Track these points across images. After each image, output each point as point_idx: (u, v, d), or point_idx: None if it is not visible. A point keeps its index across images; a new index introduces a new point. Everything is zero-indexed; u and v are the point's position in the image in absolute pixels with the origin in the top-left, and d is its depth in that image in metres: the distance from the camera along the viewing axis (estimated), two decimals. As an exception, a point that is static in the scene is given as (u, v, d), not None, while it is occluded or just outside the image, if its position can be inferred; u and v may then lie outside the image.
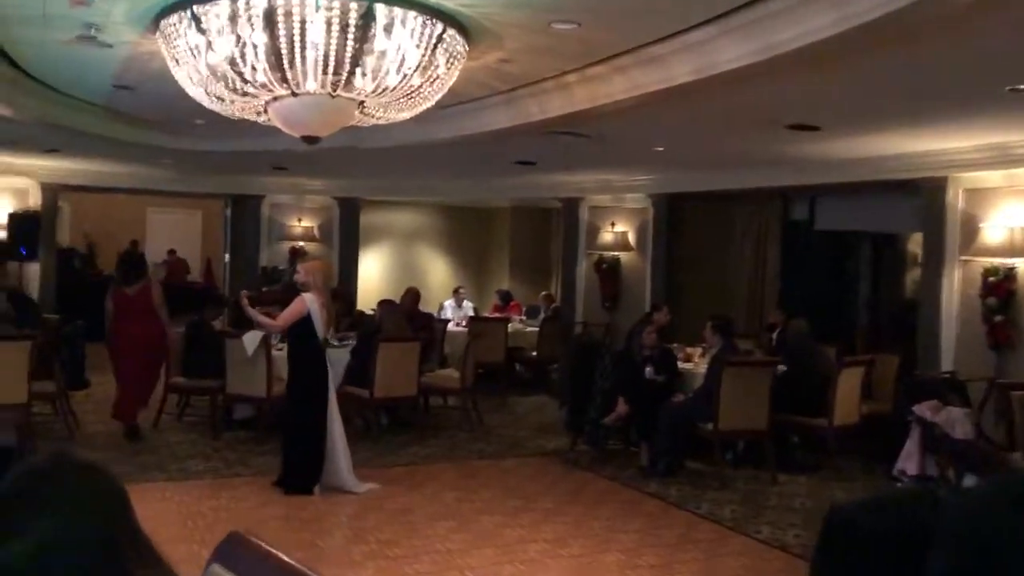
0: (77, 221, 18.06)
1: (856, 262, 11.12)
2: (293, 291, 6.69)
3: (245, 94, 5.19)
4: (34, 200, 11.91)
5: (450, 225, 15.66)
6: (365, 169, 11.70)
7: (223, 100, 5.41)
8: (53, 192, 12.09)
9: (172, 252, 18.19)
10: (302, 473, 6.42)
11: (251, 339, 8.01)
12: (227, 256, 13.74)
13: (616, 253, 11.75)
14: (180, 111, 8.20)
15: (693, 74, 5.26)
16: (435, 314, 12.06)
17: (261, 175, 12.41)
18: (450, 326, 11.50)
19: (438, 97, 5.50)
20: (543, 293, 13.49)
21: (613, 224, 11.78)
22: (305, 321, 6.38)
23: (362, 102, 5.21)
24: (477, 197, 13.70)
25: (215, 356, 8.31)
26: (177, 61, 5.09)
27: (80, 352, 8.83)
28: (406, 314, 9.68)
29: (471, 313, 12.68)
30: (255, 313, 6.51)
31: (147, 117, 8.86)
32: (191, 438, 8.28)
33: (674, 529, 6.04)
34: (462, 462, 7.79)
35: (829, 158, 8.81)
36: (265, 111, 5.43)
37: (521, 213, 15.19)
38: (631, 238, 11.68)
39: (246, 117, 5.80)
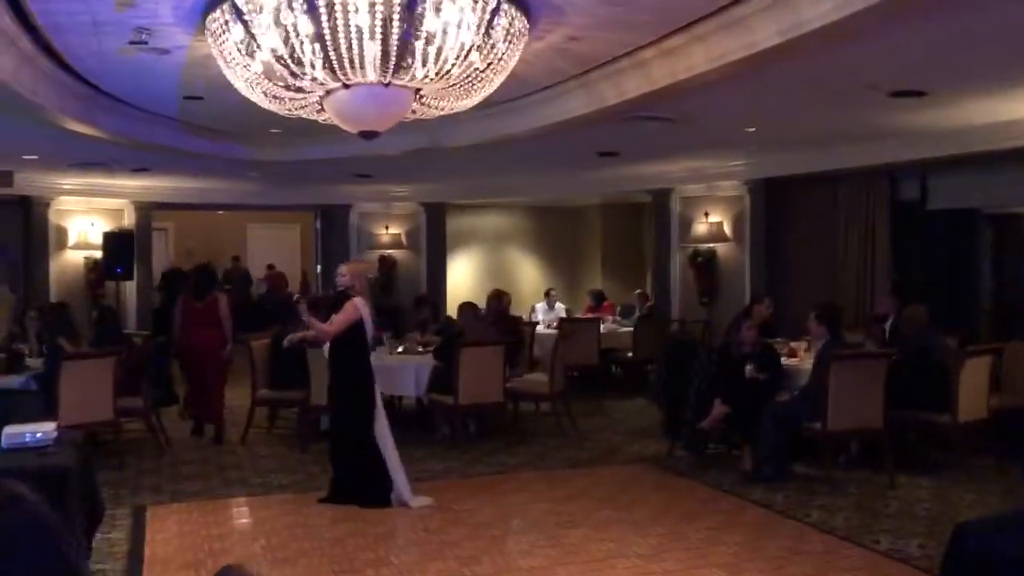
0: (181, 239, 18.65)
1: (974, 243, 10.17)
2: (344, 297, 6.44)
3: (298, 90, 4.97)
4: (128, 219, 12.13)
5: (539, 226, 15.30)
6: (448, 172, 11.48)
7: (279, 99, 5.19)
8: (146, 211, 12.29)
9: (271, 267, 18.37)
10: (373, 484, 6.16)
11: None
12: (319, 268, 13.74)
13: (711, 245, 11.14)
14: (252, 119, 8.12)
15: (778, 36, 4.74)
16: (526, 317, 11.74)
17: (347, 184, 12.35)
18: (540, 328, 11.15)
19: (499, 81, 5.14)
20: (637, 291, 12.97)
21: (707, 214, 11.18)
22: (356, 326, 6.14)
23: (418, 90, 4.90)
24: (563, 194, 13.29)
25: (300, 367, 8.17)
26: (227, 61, 4.89)
27: (166, 368, 8.83)
28: (494, 317, 9.36)
29: (563, 315, 12.29)
30: (311, 319, 6.27)
31: (222, 128, 8.83)
32: (278, 451, 8.15)
33: (780, 540, 5.49)
34: (552, 471, 7.39)
35: (938, 128, 8.05)
36: (322, 108, 5.19)
37: (611, 210, 14.70)
38: (727, 228, 11.06)
39: (305, 116, 5.57)
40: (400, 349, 8.95)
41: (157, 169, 10.66)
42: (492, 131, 8.20)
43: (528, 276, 15.22)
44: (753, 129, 8.23)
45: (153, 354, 8.47)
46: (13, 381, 7.33)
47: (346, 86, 4.71)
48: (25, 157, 9.29)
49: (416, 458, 7.67)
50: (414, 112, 5.31)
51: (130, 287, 12.08)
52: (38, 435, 4.39)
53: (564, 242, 15.32)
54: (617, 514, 6.06)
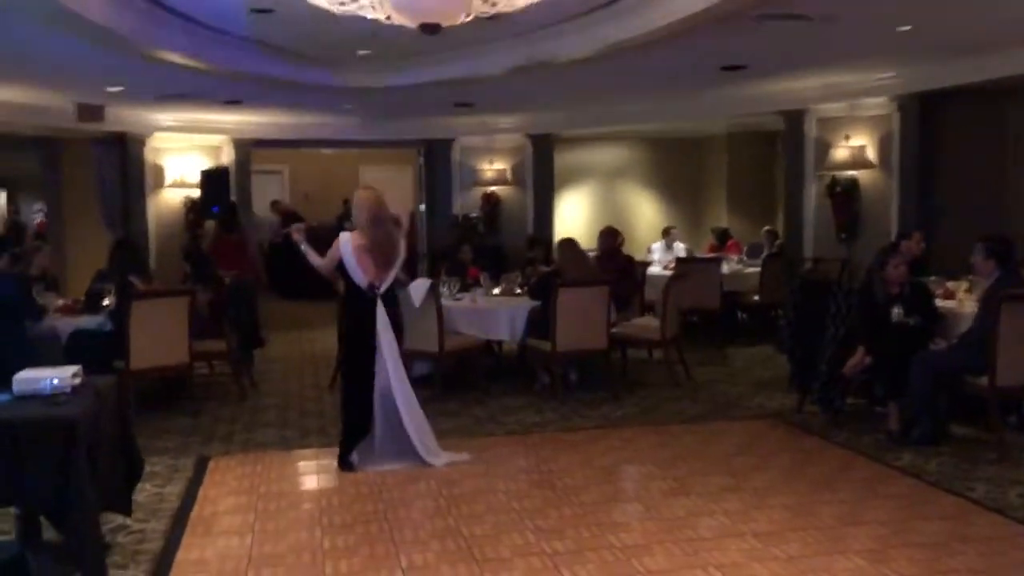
0: (296, 182, 18.55)
1: None
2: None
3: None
4: (227, 157, 11.77)
5: (658, 159, 14.14)
6: (555, 99, 10.50)
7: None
8: (244, 148, 11.89)
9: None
10: (341, 443, 5.50)
11: (418, 288, 7.13)
12: (422, 207, 13.10)
13: (852, 172, 9.78)
14: (333, 37, 7.44)
15: None
16: (642, 258, 10.77)
17: (448, 116, 11.56)
18: (653, 269, 10.18)
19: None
20: (765, 228, 11.76)
21: (847, 137, 9.80)
22: (340, 267, 5.34)
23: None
24: (683, 120, 12.07)
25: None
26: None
27: (253, 310, 8.36)
28: (602, 255, 8.46)
29: (682, 255, 11.26)
30: (309, 249, 5.48)
31: (304, 50, 8.16)
32: (364, 398, 7.57)
33: (936, 521, 4.45)
34: (659, 427, 6.49)
35: None
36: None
37: (738, 139, 13.39)
38: (871, 153, 9.67)
39: (366, 14, 4.77)
40: (497, 291, 8.19)
41: (250, 102, 10.15)
42: (597, 41, 7.19)
43: (645, 214, 14.14)
44: (908, 28, 6.88)
45: (237, 294, 8.00)
46: (91, 321, 6.98)
47: (397, -35, 3.87)
48: (109, 89, 8.91)
49: (511, 409, 6.96)
50: (486, 2, 4.42)
51: (229, 226, 11.74)
52: (53, 382, 3.84)
53: (685, 176, 14.13)
54: (733, 481, 5.14)
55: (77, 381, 3.98)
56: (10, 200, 18.82)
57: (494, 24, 7.06)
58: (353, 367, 5.47)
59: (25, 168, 13.94)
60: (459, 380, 7.67)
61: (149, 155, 11.23)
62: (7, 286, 6.64)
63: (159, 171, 11.35)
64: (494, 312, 7.59)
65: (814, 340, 6.50)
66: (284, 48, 8.04)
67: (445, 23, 4.27)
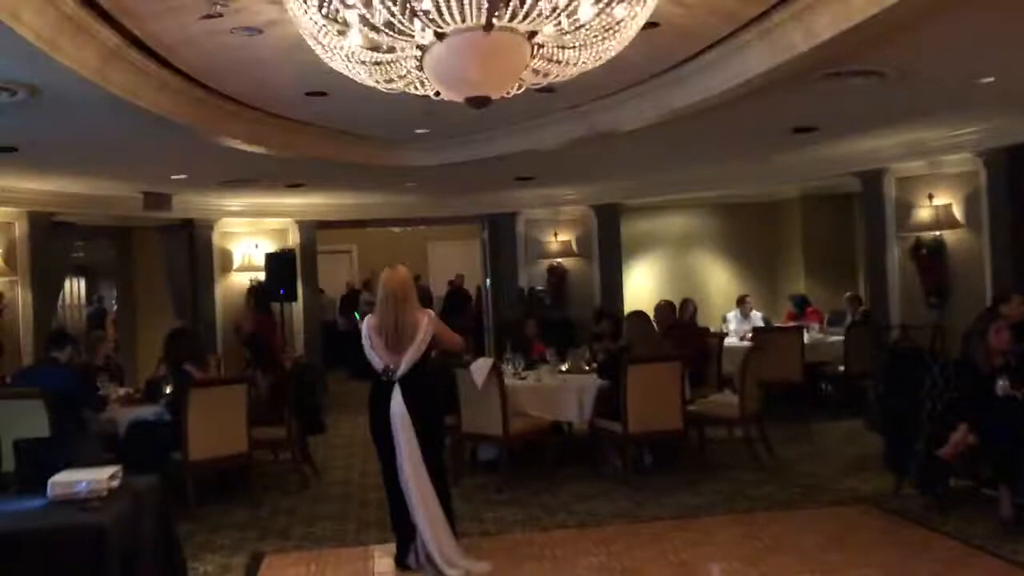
0: (364, 260, 18.71)
1: None
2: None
3: (390, 50, 4.00)
4: (293, 239, 11.81)
5: (728, 225, 13.71)
6: (618, 169, 10.27)
7: (377, 64, 4.23)
8: (309, 230, 11.94)
9: (451, 282, 17.85)
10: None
11: (479, 367, 6.85)
12: (488, 280, 12.91)
13: (938, 233, 9.22)
14: (387, 116, 7.36)
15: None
16: (717, 328, 10.33)
17: (510, 190, 11.42)
18: (730, 340, 9.70)
19: (643, 18, 3.91)
20: (848, 294, 11.17)
21: (931, 197, 9.26)
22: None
23: (532, 35, 3.78)
24: (755, 186, 11.69)
25: (450, 390, 7.25)
26: (301, 21, 3.99)
27: (318, 395, 8.18)
28: (668, 328, 8.07)
29: (759, 324, 10.76)
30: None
31: (360, 131, 8.12)
32: (428, 485, 7.23)
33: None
34: (744, 515, 5.99)
35: None
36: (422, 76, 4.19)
37: (812, 201, 12.91)
38: (957, 211, 9.11)
39: (413, 91, 4.60)
40: (564, 368, 7.84)
41: (312, 184, 10.18)
42: (658, 108, 6.94)
43: (718, 283, 13.66)
44: (991, 80, 6.47)
45: (298, 379, 7.82)
46: (149, 411, 6.86)
47: (440, 36, 3.67)
48: (174, 177, 9.02)
49: (582, 496, 6.55)
50: (537, 73, 4.19)
51: (296, 309, 11.73)
52: (87, 485, 3.62)
53: (759, 242, 13.65)
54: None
55: (115, 483, 3.76)
56: (90, 288, 19.31)
57: (551, 97, 6.89)
58: (380, 458, 5.14)
59: (103, 256, 14.28)
60: (526, 464, 7.30)
61: (216, 240, 11.34)
62: (67, 378, 6.60)
63: (227, 256, 11.43)
64: (561, 391, 7.24)
65: (909, 416, 5.96)
66: (342, 130, 8.01)
67: (494, 95, 4.06)
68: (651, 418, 6.76)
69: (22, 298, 9.02)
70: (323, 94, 6.51)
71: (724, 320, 11.32)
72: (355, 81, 5.42)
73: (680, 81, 6.55)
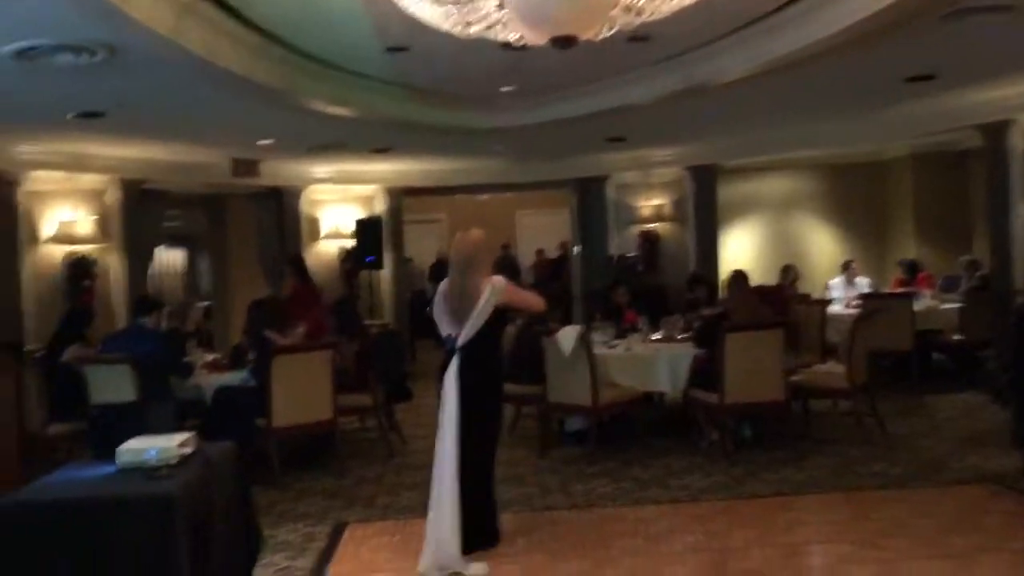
0: (454, 229, 18.53)
1: None
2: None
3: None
4: (380, 206, 11.69)
5: (833, 187, 12.97)
6: (715, 127, 9.73)
7: (456, 4, 3.94)
8: (397, 196, 11.80)
9: (540, 252, 17.62)
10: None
11: (567, 335, 6.56)
12: (577, 248, 12.54)
13: (1072, 190, 8.43)
14: (472, 73, 7.07)
15: None
16: (819, 295, 9.78)
17: (600, 152, 11.00)
18: (834, 308, 9.17)
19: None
20: (964, 258, 10.43)
21: (1063, 150, 8.48)
22: None
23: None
24: (862, 143, 10.93)
25: (535, 358, 7.00)
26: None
27: (404, 362, 8.03)
28: (772, 293, 7.60)
29: (865, 290, 10.15)
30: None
31: (444, 90, 7.84)
32: (515, 456, 7.00)
33: None
34: (853, 493, 5.56)
35: None
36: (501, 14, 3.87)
37: (925, 160, 12.08)
38: (1094, 166, 8.30)
39: (495, 35, 4.28)
40: (656, 336, 7.47)
41: (399, 149, 9.99)
42: (758, 57, 6.44)
43: (821, 248, 12.96)
44: None
45: (383, 345, 7.68)
46: (234, 377, 6.81)
47: (521, -30, 3.35)
48: (260, 143, 8.94)
49: (676, 471, 6.22)
50: (629, 10, 3.82)
51: (384, 276, 11.63)
52: (157, 452, 3.48)
53: (866, 205, 12.88)
54: (954, 566, 4.19)
55: (186, 450, 3.62)
56: (190, 257, 19.73)
57: (644, 47, 6.49)
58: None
59: (200, 226, 14.48)
60: (616, 436, 7.00)
61: (305, 207, 11.29)
62: (153, 344, 6.60)
63: (315, 223, 11.39)
64: (653, 360, 6.89)
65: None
66: (426, 89, 7.76)
67: (581, 35, 3.71)
68: (750, 389, 6.36)
69: (114, 265, 9.12)
70: (404, 49, 6.25)
71: (827, 287, 10.74)
72: (436, 34, 5.17)
73: (782, 27, 6.03)
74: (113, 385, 6.34)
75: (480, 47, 6.14)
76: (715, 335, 6.40)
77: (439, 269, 16.23)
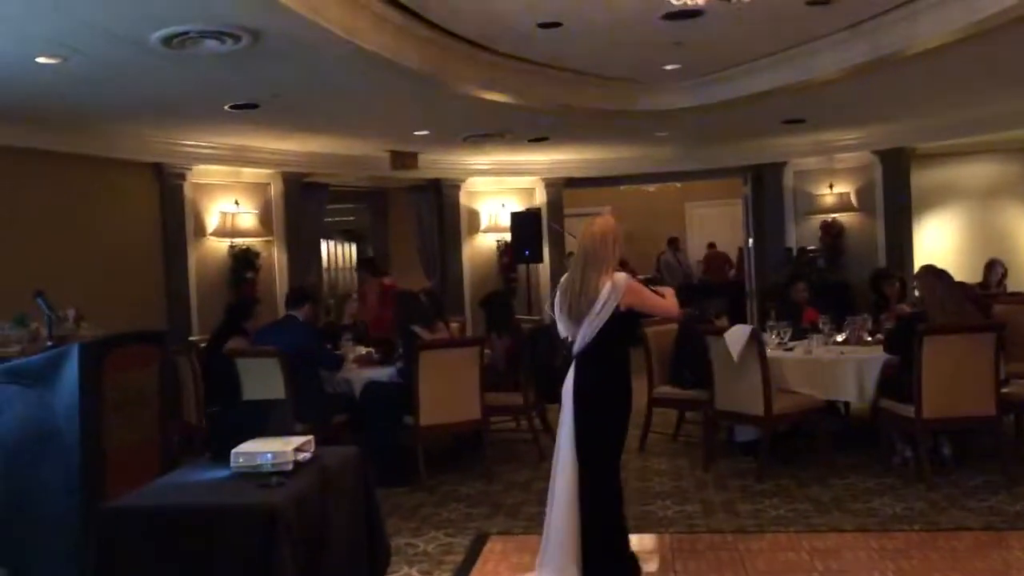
0: (619, 221, 18.04)
1: None
2: None
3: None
4: (539, 198, 11.32)
5: (1045, 171, 11.45)
6: (908, 103, 8.68)
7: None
8: (556, 188, 11.39)
9: (712, 246, 16.69)
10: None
11: (736, 336, 5.91)
12: (750, 241, 11.69)
13: None
14: (630, 49, 6.53)
15: None
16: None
17: (777, 136, 10.13)
18: (1055, 308, 7.91)
19: None
20: None
21: None
22: None
23: None
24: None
25: (700, 360, 6.39)
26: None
27: (558, 361, 7.56)
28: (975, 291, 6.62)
29: (1090, 289, 8.81)
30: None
31: (603, 70, 7.34)
32: (676, 466, 6.43)
33: None
34: (1086, 531, 4.62)
35: None
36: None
37: None
38: None
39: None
40: (840, 338, 6.65)
41: (556, 138, 9.58)
42: (958, 20, 5.56)
43: (1032, 241, 11.48)
44: None
45: (539, 342, 7.26)
46: (382, 373, 6.59)
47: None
48: (416, 133, 8.76)
49: (861, 493, 5.46)
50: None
51: (542, 270, 11.25)
52: (271, 457, 3.20)
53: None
54: None
55: (303, 455, 3.32)
56: (358, 251, 20.21)
57: (824, 12, 5.75)
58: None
59: (366, 220, 14.68)
60: (792, 450, 6.28)
61: (464, 200, 11.10)
62: (303, 336, 6.46)
63: (474, 216, 11.18)
64: (837, 365, 6.09)
65: None
66: (582, 71, 7.29)
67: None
68: (953, 401, 5.47)
69: (278, 258, 9.21)
70: (557, 24, 5.83)
71: (1037, 284, 9.45)
72: (590, 6, 4.71)
73: None
74: (264, 377, 6.25)
75: (638, 18, 5.64)
76: (910, 338, 5.56)
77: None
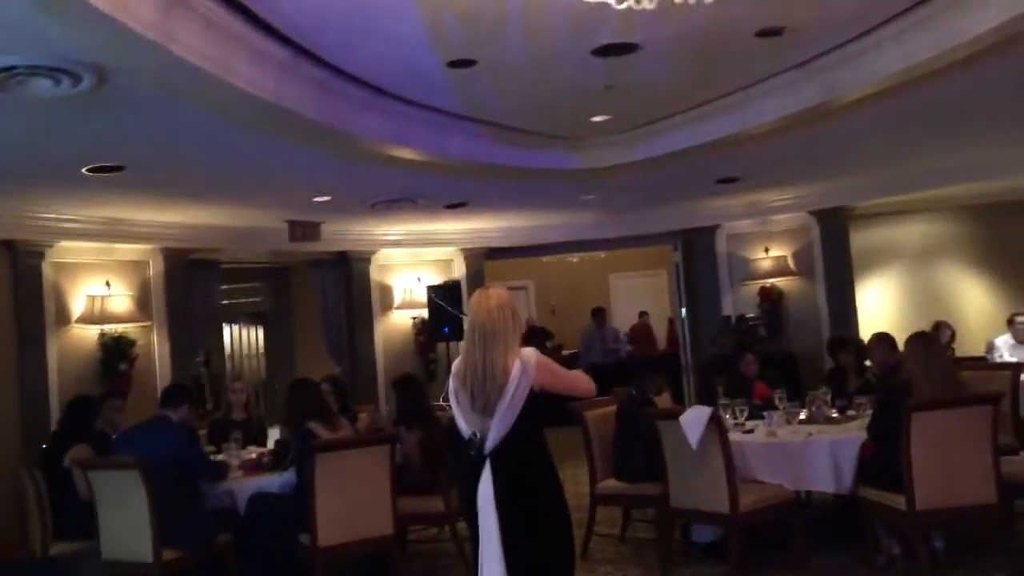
0: (542, 296, 17.53)
1: None
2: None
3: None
4: (458, 271, 10.42)
5: (985, 231, 11.04)
6: (845, 160, 8.11)
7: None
8: (475, 259, 10.51)
9: (644, 314, 15.80)
10: None
11: (694, 419, 5.03)
12: (683, 311, 10.95)
13: None
14: (553, 95, 5.75)
15: None
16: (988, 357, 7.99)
17: (708, 198, 9.50)
18: (1024, 374, 7.32)
19: None
20: None
21: None
22: None
23: None
24: (1016, 175, 9.11)
25: (651, 449, 5.47)
26: None
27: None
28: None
29: (1044, 350, 8.27)
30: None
31: (523, 124, 6.53)
32: (630, 573, 5.44)
33: None
34: None
35: None
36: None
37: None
38: None
39: None
40: (804, 415, 5.83)
41: (475, 203, 8.72)
42: (898, 62, 4.99)
43: (974, 301, 10.99)
44: None
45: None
46: (275, 481, 5.47)
47: None
48: (316, 199, 7.77)
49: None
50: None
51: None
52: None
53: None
54: None
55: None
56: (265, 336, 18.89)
57: (775, 46, 5.07)
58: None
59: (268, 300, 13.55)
60: (758, 547, 5.38)
61: (375, 274, 10.11)
62: (172, 440, 5.29)
63: (386, 291, 10.19)
64: (808, 448, 5.25)
65: None
66: (500, 123, 6.48)
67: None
68: (950, 488, 4.67)
69: (158, 346, 8.03)
70: (471, 63, 4.97)
71: (991, 348, 8.88)
72: (506, 42, 3.90)
73: (932, 20, 4.59)
74: (122, 494, 5.08)
75: (561, 55, 4.88)
76: (892, 417, 4.75)
77: (532, 339, 14.72)
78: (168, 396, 5.71)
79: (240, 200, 7.53)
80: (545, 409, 3.34)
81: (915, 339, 5.04)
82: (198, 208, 7.66)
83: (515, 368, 3.20)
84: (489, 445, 3.21)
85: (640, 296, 17.05)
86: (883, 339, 6.31)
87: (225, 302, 15.33)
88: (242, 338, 16.66)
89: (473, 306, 3.37)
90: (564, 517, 3.33)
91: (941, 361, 4.94)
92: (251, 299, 13.23)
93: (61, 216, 7.25)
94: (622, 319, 17.16)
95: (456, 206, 8.76)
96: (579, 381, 3.47)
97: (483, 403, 3.23)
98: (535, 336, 13.29)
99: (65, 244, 7.43)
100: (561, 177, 7.56)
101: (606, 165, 7.33)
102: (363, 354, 9.82)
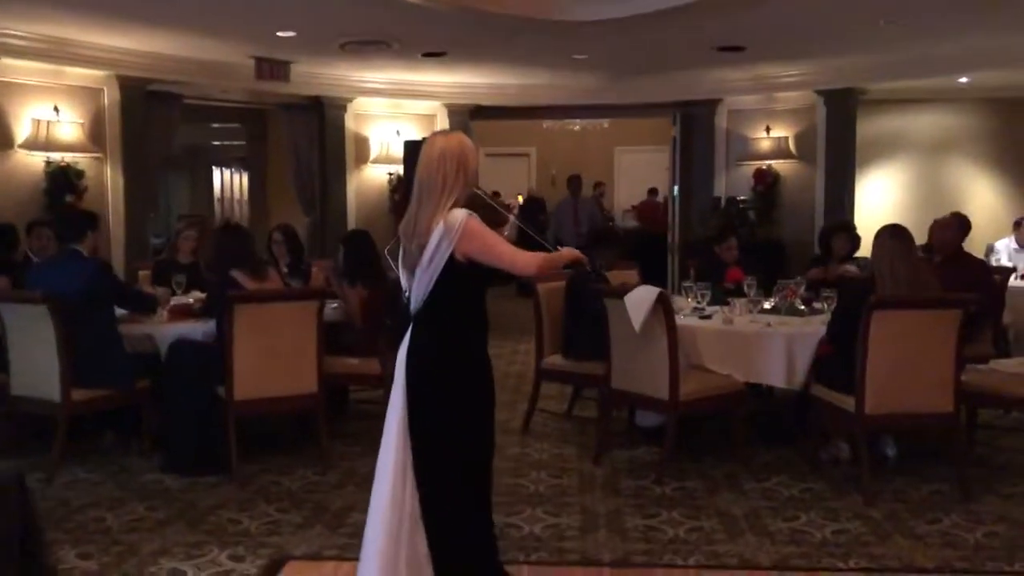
0: (543, 165, 17.03)
1: None
2: None
3: None
4: (441, 127, 9.88)
5: (1000, 126, 10.38)
6: (861, 36, 7.42)
7: None
8: (461, 116, 9.95)
9: (654, 191, 15.24)
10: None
11: (639, 300, 4.65)
12: (675, 188, 10.44)
13: None
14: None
15: None
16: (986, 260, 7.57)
17: (711, 67, 8.82)
18: (1014, 280, 6.95)
19: None
20: None
21: None
22: None
23: None
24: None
25: (596, 326, 5.13)
26: None
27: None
28: (945, 259, 5.51)
29: (1046, 256, 7.84)
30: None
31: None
32: (562, 456, 5.24)
33: None
34: None
35: None
36: None
37: None
38: None
39: None
40: (768, 304, 5.44)
41: (456, 54, 8.11)
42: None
43: (983, 201, 10.42)
44: None
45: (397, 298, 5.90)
46: (196, 329, 5.14)
47: None
48: (280, 34, 7.18)
49: (786, 502, 4.32)
50: None
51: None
52: None
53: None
54: None
55: None
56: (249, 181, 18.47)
57: None
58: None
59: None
60: (704, 439, 5.13)
61: (351, 123, 9.58)
62: (89, 274, 4.94)
63: (362, 143, 9.69)
64: (762, 339, 4.89)
65: None
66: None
67: None
68: (904, 393, 4.34)
69: (111, 180, 7.64)
70: None
71: (990, 250, 8.48)
72: None
73: None
74: (33, 331, 4.80)
75: None
76: (851, 316, 4.37)
77: (529, 209, 14.10)
78: (67, 227, 5.18)
79: (200, 28, 6.94)
80: (475, 280, 2.94)
81: (884, 232, 4.58)
82: (154, 35, 7.10)
83: (437, 228, 2.80)
84: (412, 306, 2.93)
85: (645, 172, 16.49)
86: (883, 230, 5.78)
87: (215, 143, 14.92)
88: (233, 183, 16.29)
89: (423, 151, 2.95)
90: (476, 396, 2.98)
91: (910, 258, 4.49)
92: (237, 142, 12.76)
93: (5, 30, 6.72)
94: (625, 195, 16.67)
95: (435, 55, 8.16)
96: (516, 257, 2.91)
97: (410, 262, 2.90)
98: (529, 207, 12.89)
99: (7, 61, 6.92)
100: (549, 31, 6.95)
101: (593, 19, 6.70)
102: (335, 207, 9.42)
